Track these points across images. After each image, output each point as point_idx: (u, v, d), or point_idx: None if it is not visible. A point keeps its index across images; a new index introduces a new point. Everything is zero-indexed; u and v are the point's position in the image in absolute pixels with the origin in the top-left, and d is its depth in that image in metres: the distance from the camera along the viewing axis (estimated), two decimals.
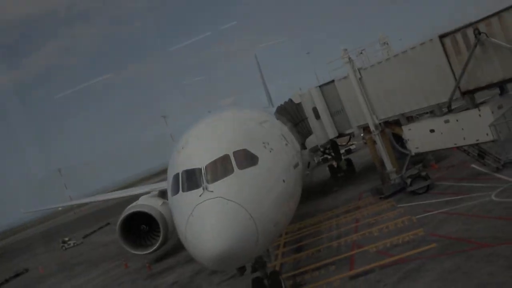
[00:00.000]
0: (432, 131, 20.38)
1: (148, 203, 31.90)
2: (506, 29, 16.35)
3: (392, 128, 25.15)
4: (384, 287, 14.61)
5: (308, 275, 18.30)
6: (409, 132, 22.07)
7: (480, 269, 13.26)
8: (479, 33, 16.89)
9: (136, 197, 34.77)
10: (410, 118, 23.24)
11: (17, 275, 56.82)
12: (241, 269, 17.00)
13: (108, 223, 66.70)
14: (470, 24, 17.44)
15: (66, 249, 63.65)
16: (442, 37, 18.66)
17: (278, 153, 17.72)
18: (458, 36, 18.09)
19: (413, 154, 22.70)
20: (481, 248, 14.67)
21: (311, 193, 32.73)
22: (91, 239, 64.26)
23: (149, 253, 31.18)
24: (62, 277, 42.57)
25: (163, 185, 32.48)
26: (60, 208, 74.72)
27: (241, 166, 14.71)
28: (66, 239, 68.28)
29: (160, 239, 30.34)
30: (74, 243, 65.15)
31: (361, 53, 25.76)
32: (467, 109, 18.89)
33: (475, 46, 17.17)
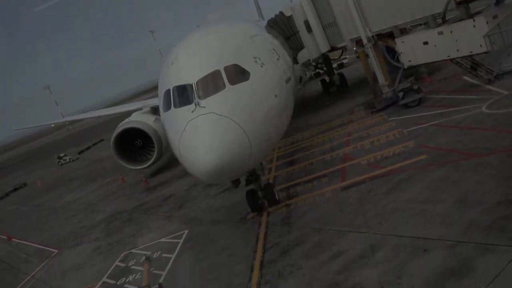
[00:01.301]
0: (425, 43, 20.11)
1: (140, 119, 32.01)
2: None
3: (385, 41, 24.90)
4: (375, 197, 15.16)
5: (301, 187, 18.91)
6: (402, 44, 21.74)
7: (468, 178, 13.75)
8: None
9: (128, 114, 34.81)
10: (403, 30, 22.81)
11: (15, 189, 58.05)
12: (236, 182, 17.46)
13: (102, 139, 67.11)
14: None
15: (62, 164, 64.40)
16: None
17: (270, 68, 17.66)
18: None
19: (405, 67, 22.56)
20: (470, 159, 15.09)
21: (303, 108, 32.83)
22: (86, 155, 64.92)
23: (145, 167, 31.77)
24: (60, 191, 43.53)
25: (154, 101, 32.51)
26: (52, 125, 74.71)
27: (232, 82, 14.76)
28: (62, 155, 69.02)
29: (155, 154, 30.83)
30: (70, 159, 65.90)
31: None
32: (462, 19, 18.58)
33: None
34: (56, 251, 24.29)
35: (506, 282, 8.79)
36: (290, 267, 12.85)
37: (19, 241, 29.68)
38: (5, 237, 31.98)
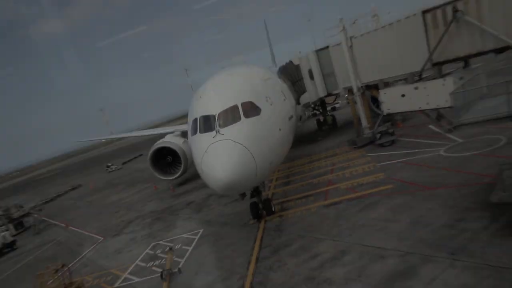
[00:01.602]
0: (403, 95, 19.73)
1: (172, 140, 32.31)
2: (480, 8, 15.46)
3: (371, 91, 24.56)
4: (348, 214, 15.29)
5: (292, 203, 18.96)
6: (384, 95, 21.29)
7: (422, 205, 13.92)
8: (457, 10, 16.07)
9: (162, 135, 35.04)
10: (386, 84, 22.54)
11: (73, 189, 58.34)
12: (243, 195, 17.51)
13: (141, 154, 67.27)
14: (450, 2, 16.54)
15: (109, 172, 64.52)
16: (424, 12, 17.53)
17: (277, 107, 17.66)
18: (438, 12, 16.86)
19: (385, 114, 22.21)
20: (425, 190, 15.21)
21: (300, 141, 32.82)
22: (129, 165, 65.19)
23: (173, 179, 31.96)
24: (107, 192, 43.80)
25: (184, 127, 32.73)
26: (103, 140, 74.90)
27: (247, 115, 14.79)
28: (110, 164, 69.02)
29: (182, 168, 31.11)
30: (115, 168, 65.80)
31: (354, 23, 23.88)
32: (434, 78, 18.29)
33: (451, 22, 16.35)
34: (102, 238, 24.53)
35: (439, 285, 9.02)
36: (278, 262, 13.02)
37: (74, 229, 29.95)
38: (64, 225, 32.34)
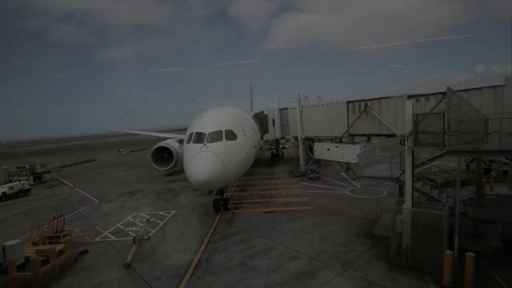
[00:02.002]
0: (328, 149, 20.62)
1: (171, 143, 31.62)
2: (380, 108, 16.67)
3: (309, 142, 25.40)
4: (280, 221, 15.07)
5: (244, 205, 18.56)
6: (316, 146, 22.44)
7: (329, 225, 13.99)
8: (366, 106, 17.14)
9: (165, 138, 34.29)
10: (319, 140, 23.47)
11: (88, 161, 55.22)
12: (210, 192, 17.47)
13: (146, 148, 65.08)
14: (364, 100, 17.59)
15: (119, 155, 61.94)
16: (348, 102, 18.69)
17: (248, 137, 17.91)
18: (356, 104, 18.12)
19: (315, 158, 23.01)
20: (333, 215, 15.35)
21: (257, 164, 32.73)
22: (135, 154, 62.71)
23: (164, 170, 30.94)
24: (114, 168, 41.76)
25: (181, 136, 32.17)
26: (122, 132, 72.34)
27: (227, 138, 15.21)
28: (121, 149, 66.73)
29: (173, 163, 30.30)
30: (124, 153, 63.44)
31: (306, 97, 25.43)
32: (349, 143, 19.21)
33: (363, 112, 17.44)
34: (98, 201, 22.92)
35: (332, 285, 8.86)
36: (223, 247, 12.52)
37: (79, 190, 27.92)
38: (72, 185, 30.12)
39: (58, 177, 35.39)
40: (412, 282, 8.80)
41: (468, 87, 12.95)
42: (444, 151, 9.51)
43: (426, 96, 14.58)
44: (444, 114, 8.65)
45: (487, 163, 22.23)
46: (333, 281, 9.05)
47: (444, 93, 13.46)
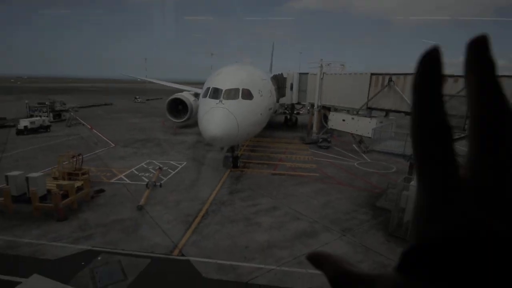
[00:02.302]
0: (343, 120, 20.36)
1: (186, 96, 31.40)
2: (404, 84, 16.18)
3: (324, 111, 24.89)
4: (287, 185, 15.41)
5: (252, 165, 18.92)
6: (332, 116, 22.04)
7: (334, 194, 14.25)
8: (391, 80, 16.64)
9: (181, 90, 34.18)
10: (336, 109, 23.09)
11: (105, 104, 56.11)
12: (222, 148, 17.53)
13: (161, 98, 65.07)
14: (389, 74, 17.04)
15: (135, 102, 62.54)
16: (372, 74, 18.13)
17: (265, 99, 17.59)
18: (380, 77, 17.61)
19: (328, 127, 22.77)
20: (340, 184, 15.58)
21: (270, 127, 32.65)
22: (150, 102, 63.19)
23: (178, 122, 31.25)
24: (129, 114, 42.46)
25: (197, 90, 31.95)
26: (139, 79, 72.10)
27: (243, 97, 14.89)
28: (137, 97, 66.80)
29: (187, 116, 30.33)
30: (140, 101, 63.74)
31: (328, 64, 24.48)
32: (366, 116, 18.89)
33: (386, 85, 16.97)
34: (114, 145, 23.72)
35: (329, 248, 9.35)
36: (230, 201, 13.08)
37: (96, 132, 28.84)
38: (89, 127, 31.15)
39: (76, 117, 36.46)
40: None
41: (500, 74, 12.22)
42: (463, 135, 9.33)
43: (455, 77, 13.92)
44: None
45: None
46: (331, 244, 9.55)
47: None
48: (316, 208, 12.47)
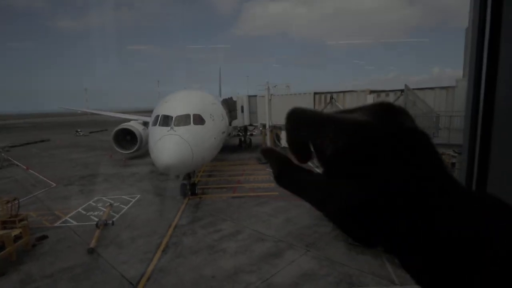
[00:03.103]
0: None
1: (134, 125, 29.93)
2: (342, 100, 17.61)
3: (276, 130, 25.95)
4: (247, 206, 15.33)
5: (210, 190, 18.56)
6: (283, 134, 23.08)
7: (294, 210, 14.39)
8: (332, 97, 17.97)
9: (128, 120, 32.58)
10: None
11: (42, 141, 50.88)
12: (177, 176, 16.97)
13: (107, 129, 61.28)
14: (330, 93, 18.44)
15: (77, 136, 57.87)
16: (315, 93, 19.48)
17: (216, 123, 17.57)
18: (323, 96, 19.03)
19: (282, 146, 23.53)
20: (297, 200, 15.61)
21: (225, 150, 32.64)
22: (94, 135, 59.04)
23: (127, 153, 29.53)
24: (70, 149, 39.01)
25: (145, 118, 30.73)
26: (79, 111, 67.41)
27: (195, 123, 14.66)
28: (79, 130, 61.73)
29: (136, 147, 28.85)
30: (83, 134, 59.04)
31: (275, 86, 26.11)
32: None
33: (328, 103, 18.27)
34: (55, 184, 21.48)
35: (295, 265, 9.41)
36: (191, 231, 12.57)
37: (33, 172, 25.88)
38: (25, 168, 27.85)
39: (8, 157, 32.45)
40: (369, 260, 9.65)
41: (423, 87, 14.06)
42: None
43: (386, 92, 15.62)
44: None
45: None
46: (297, 261, 9.62)
47: (402, 90, 14.52)
48: (278, 227, 12.55)
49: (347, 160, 0.43)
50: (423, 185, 0.38)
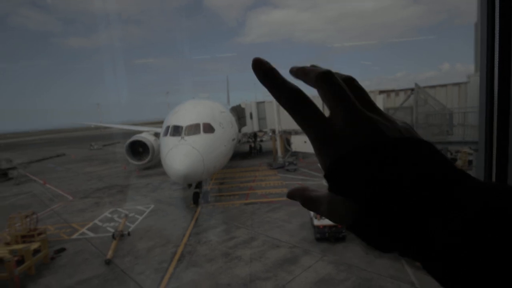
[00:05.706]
0: (305, 142, 21.14)
1: (146, 136, 30.38)
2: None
3: (286, 135, 25.80)
4: (260, 212, 15.27)
5: (223, 198, 18.59)
6: (294, 139, 22.90)
7: (308, 214, 13.94)
8: None
9: (139, 131, 33.19)
10: (296, 132, 23.93)
11: (57, 156, 52.28)
12: (190, 185, 17.05)
13: (119, 142, 62.51)
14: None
15: (91, 150, 59.15)
16: None
17: (226, 131, 17.64)
18: None
19: (292, 150, 23.47)
20: None
21: (235, 157, 32.76)
22: (108, 148, 60.22)
23: (140, 164, 29.93)
24: (85, 163, 39.90)
25: (157, 129, 31.31)
26: (92, 126, 68.94)
27: (205, 131, 14.75)
28: (93, 143, 63.25)
29: (149, 157, 29.26)
30: (97, 147, 60.41)
31: None
32: None
33: None
34: (71, 198, 21.96)
35: (312, 271, 9.26)
36: (205, 239, 12.58)
37: (50, 186, 26.54)
38: (42, 182, 28.60)
39: (26, 173, 33.43)
40: (387, 263, 9.43)
41: (434, 84, 13.77)
42: None
43: (396, 91, 15.34)
44: (412, 108, 9.24)
45: (453, 153, 23.79)
46: (314, 266, 9.48)
47: (412, 89, 14.27)
48: (293, 232, 12.42)
49: (343, 174, 0.46)
50: (435, 187, 0.38)
